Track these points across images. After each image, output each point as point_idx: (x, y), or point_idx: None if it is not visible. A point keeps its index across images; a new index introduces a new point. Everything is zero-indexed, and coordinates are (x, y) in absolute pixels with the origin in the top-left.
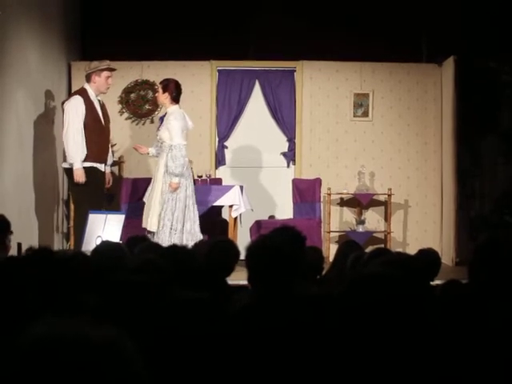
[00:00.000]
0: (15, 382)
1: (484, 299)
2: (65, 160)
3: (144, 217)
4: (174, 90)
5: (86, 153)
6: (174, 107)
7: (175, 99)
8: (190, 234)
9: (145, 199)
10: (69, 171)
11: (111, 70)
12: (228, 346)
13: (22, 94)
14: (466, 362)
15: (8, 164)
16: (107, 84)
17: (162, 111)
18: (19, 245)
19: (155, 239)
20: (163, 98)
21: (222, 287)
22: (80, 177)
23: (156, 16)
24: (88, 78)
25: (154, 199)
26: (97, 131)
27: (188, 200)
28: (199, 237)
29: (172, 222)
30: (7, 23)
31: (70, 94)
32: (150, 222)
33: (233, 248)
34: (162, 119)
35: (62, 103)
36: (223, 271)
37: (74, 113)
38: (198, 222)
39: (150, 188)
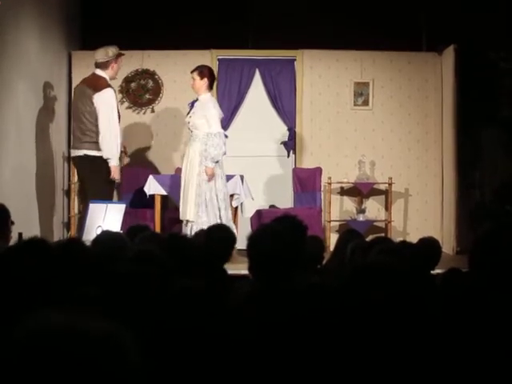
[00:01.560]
0: (11, 375)
1: (485, 289)
2: (86, 148)
3: (182, 208)
4: (209, 76)
5: (120, 150)
6: (208, 94)
7: (210, 85)
8: (226, 221)
9: (147, 189)
10: (83, 160)
11: (122, 54)
12: (228, 336)
13: (22, 84)
14: (467, 353)
15: (8, 154)
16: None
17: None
18: (20, 234)
19: (194, 228)
20: (201, 83)
21: (221, 276)
22: (118, 174)
23: (156, 5)
24: (105, 66)
25: (190, 189)
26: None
27: (223, 188)
28: (232, 225)
29: (214, 210)
30: (7, 13)
31: (97, 85)
32: (189, 211)
33: (228, 234)
34: (192, 105)
35: (90, 94)
36: (221, 259)
37: (113, 107)
38: (229, 209)
39: (182, 181)
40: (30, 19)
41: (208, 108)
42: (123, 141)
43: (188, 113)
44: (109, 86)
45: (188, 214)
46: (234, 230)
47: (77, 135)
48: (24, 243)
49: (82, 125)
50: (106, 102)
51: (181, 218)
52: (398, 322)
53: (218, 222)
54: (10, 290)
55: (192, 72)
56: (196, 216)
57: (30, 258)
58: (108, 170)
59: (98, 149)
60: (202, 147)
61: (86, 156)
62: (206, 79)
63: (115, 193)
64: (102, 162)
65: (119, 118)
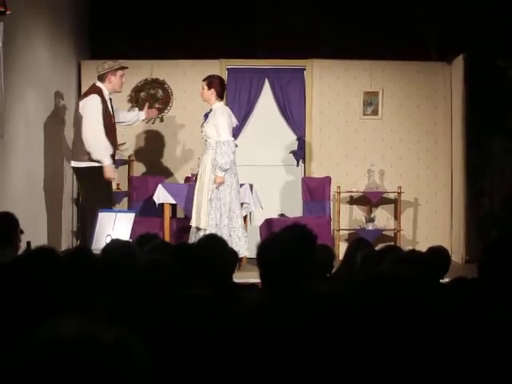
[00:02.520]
0: (25, 382)
1: (493, 297)
2: (74, 159)
3: (195, 215)
4: (218, 86)
5: (112, 149)
6: (220, 103)
7: (220, 95)
8: (236, 229)
9: (156, 198)
10: (78, 171)
11: (124, 68)
12: (237, 344)
13: (32, 94)
14: (477, 361)
15: (18, 163)
16: (121, 83)
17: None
18: (28, 243)
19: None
20: (209, 94)
21: (230, 285)
22: (111, 173)
23: (165, 15)
24: (102, 78)
25: (203, 197)
26: (110, 130)
27: (234, 196)
28: (243, 233)
29: (220, 218)
30: (16, 22)
31: (85, 93)
32: (202, 219)
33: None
34: (206, 116)
35: (79, 101)
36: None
37: (95, 112)
38: (242, 218)
39: (196, 186)
40: (40, 29)
41: (216, 116)
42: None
43: (203, 123)
44: (96, 93)
45: (200, 221)
46: (246, 239)
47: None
48: (32, 252)
49: (74, 136)
50: (90, 108)
51: (193, 224)
52: (407, 330)
53: (225, 230)
54: (19, 298)
55: (203, 80)
56: (207, 224)
57: (38, 266)
58: (95, 177)
59: (80, 159)
60: (213, 156)
61: (73, 168)
62: (213, 90)
63: (126, 201)
64: (89, 172)
65: (113, 127)
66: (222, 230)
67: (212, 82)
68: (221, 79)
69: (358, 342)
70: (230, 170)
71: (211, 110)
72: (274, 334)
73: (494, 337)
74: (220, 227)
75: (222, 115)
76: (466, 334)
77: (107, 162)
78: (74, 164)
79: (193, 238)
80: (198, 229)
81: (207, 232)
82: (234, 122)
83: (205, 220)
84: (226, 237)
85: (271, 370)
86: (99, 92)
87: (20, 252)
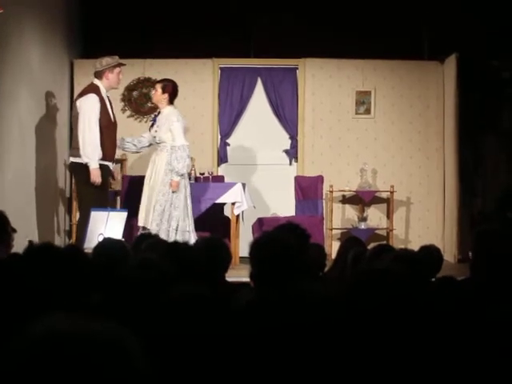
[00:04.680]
0: (19, 379)
1: (483, 295)
2: (72, 155)
3: (140, 215)
4: (172, 92)
5: (101, 153)
6: (170, 107)
7: (171, 100)
8: (188, 232)
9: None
10: (77, 167)
11: (122, 65)
12: (230, 342)
13: (24, 92)
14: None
15: (10, 161)
16: (119, 79)
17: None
18: (30, 243)
19: None
20: (162, 97)
21: (222, 284)
22: (97, 177)
23: (158, 14)
24: (100, 75)
25: (153, 198)
26: (109, 129)
27: (187, 199)
28: (194, 235)
29: (171, 220)
30: (9, 21)
31: (82, 91)
32: (150, 220)
33: (217, 249)
34: (155, 119)
35: (75, 100)
36: (220, 270)
37: (91, 111)
38: (193, 221)
39: (146, 187)
40: (32, 27)
41: (171, 121)
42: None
43: (152, 126)
44: (94, 92)
45: (149, 221)
46: (193, 241)
47: (71, 143)
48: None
49: (73, 132)
50: (84, 107)
51: (142, 224)
52: (398, 327)
53: (172, 232)
54: (12, 295)
55: (157, 82)
56: (156, 227)
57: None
58: (103, 177)
59: (78, 155)
60: (168, 158)
61: (72, 163)
62: (166, 95)
63: (118, 201)
64: (86, 168)
65: (113, 125)
66: (172, 233)
67: (167, 86)
68: (175, 85)
69: (351, 339)
70: (184, 174)
71: (159, 112)
72: (266, 331)
73: (484, 333)
74: (171, 230)
75: (178, 120)
76: (456, 331)
77: (93, 165)
78: (72, 159)
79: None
80: (145, 229)
81: (152, 232)
82: (185, 124)
83: (154, 221)
84: (179, 239)
85: (263, 368)
86: (96, 91)
87: (13, 251)
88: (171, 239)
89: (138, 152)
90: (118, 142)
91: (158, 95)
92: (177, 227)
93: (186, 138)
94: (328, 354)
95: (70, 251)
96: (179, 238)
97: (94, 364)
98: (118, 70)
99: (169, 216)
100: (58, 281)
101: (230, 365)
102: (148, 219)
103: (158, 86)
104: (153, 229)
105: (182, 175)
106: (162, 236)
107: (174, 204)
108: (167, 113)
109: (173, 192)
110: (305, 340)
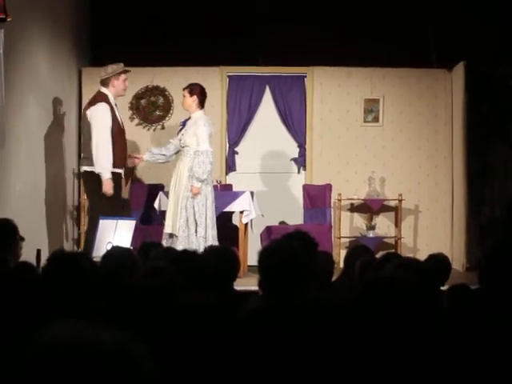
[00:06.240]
0: None
1: (492, 305)
2: (84, 164)
3: (167, 222)
4: (200, 93)
5: (122, 159)
6: (200, 112)
7: (201, 103)
8: (210, 239)
9: (157, 205)
10: (89, 176)
11: (127, 71)
12: (236, 350)
13: (33, 101)
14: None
15: (19, 169)
16: (125, 86)
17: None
18: (38, 251)
19: (177, 243)
20: (191, 101)
21: (230, 293)
22: (109, 188)
23: (166, 22)
24: (106, 83)
25: (178, 204)
26: (119, 136)
27: (210, 206)
28: (216, 243)
29: (196, 227)
30: (17, 29)
31: (91, 100)
32: (177, 226)
33: (228, 257)
34: (184, 123)
35: (85, 109)
36: (229, 279)
37: (103, 120)
38: (215, 228)
39: (171, 193)
40: (40, 36)
41: (198, 125)
42: (130, 153)
43: (180, 130)
44: (104, 100)
45: (176, 228)
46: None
47: (82, 152)
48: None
49: (84, 141)
50: (96, 116)
51: (169, 231)
52: (405, 335)
53: (200, 240)
54: (20, 304)
55: (183, 89)
56: (180, 232)
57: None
58: (115, 185)
59: (92, 164)
60: (190, 164)
61: (85, 172)
62: (195, 97)
63: (126, 209)
64: (98, 177)
65: (122, 132)
66: (190, 238)
67: (193, 89)
68: (202, 87)
69: (358, 347)
70: (206, 180)
71: (190, 117)
72: (272, 338)
73: (491, 342)
74: (189, 236)
75: (205, 125)
76: (463, 340)
77: (106, 176)
78: (85, 168)
79: (167, 244)
80: (171, 235)
81: (179, 239)
82: (213, 131)
83: (179, 227)
84: (194, 246)
85: (270, 376)
86: (105, 99)
87: (21, 259)
88: (199, 247)
89: (167, 161)
90: (147, 156)
91: (187, 99)
92: (205, 235)
93: (211, 144)
94: (335, 361)
95: (78, 259)
96: (202, 245)
97: (102, 373)
98: (124, 76)
99: (195, 223)
100: (68, 288)
101: (236, 372)
102: (175, 226)
103: (185, 91)
104: (180, 235)
105: (202, 181)
106: (184, 242)
107: (199, 211)
108: (197, 117)
109: (192, 197)
110: (312, 347)
